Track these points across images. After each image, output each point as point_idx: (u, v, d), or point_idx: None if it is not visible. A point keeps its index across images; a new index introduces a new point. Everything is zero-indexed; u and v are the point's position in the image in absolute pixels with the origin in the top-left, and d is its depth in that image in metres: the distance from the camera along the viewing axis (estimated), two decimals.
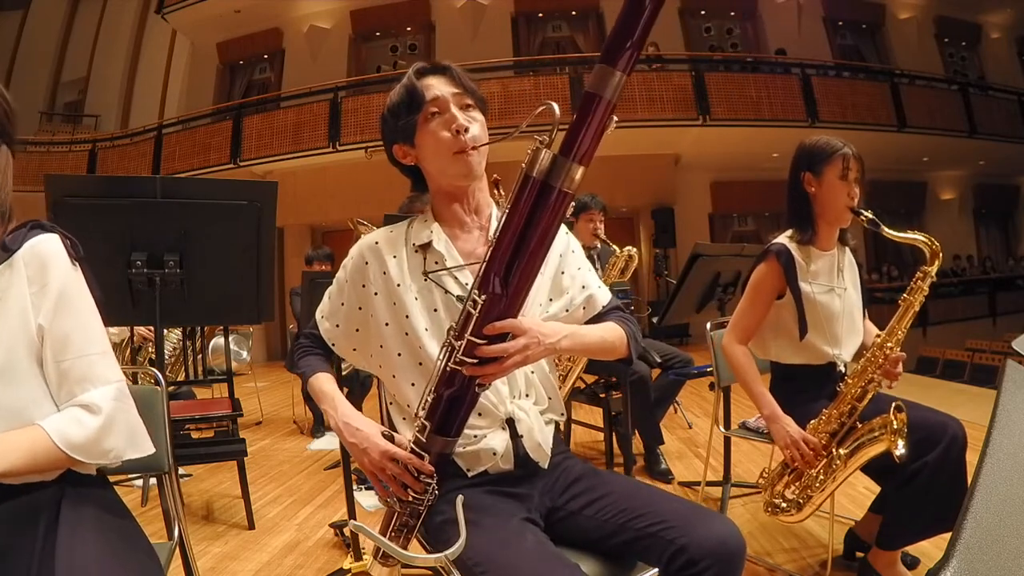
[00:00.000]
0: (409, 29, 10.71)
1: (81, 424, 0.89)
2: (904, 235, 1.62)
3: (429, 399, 0.97)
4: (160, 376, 1.37)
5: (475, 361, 0.92)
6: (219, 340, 4.22)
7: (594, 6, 10.39)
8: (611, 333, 1.15)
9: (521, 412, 1.12)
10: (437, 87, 1.11)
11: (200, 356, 3.81)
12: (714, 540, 0.95)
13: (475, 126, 1.10)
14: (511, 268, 0.91)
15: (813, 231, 1.75)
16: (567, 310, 1.17)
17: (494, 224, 1.16)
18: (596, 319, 1.21)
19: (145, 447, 0.97)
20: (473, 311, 0.92)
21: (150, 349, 3.26)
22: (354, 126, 8.59)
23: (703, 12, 10.36)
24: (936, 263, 1.60)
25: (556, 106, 0.89)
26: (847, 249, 1.84)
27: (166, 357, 3.48)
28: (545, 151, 0.88)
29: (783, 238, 1.80)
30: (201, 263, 2.16)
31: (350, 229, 2.98)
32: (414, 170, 1.19)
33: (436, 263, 1.13)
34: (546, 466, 1.13)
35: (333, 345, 1.21)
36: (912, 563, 1.83)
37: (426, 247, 1.14)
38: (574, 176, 0.87)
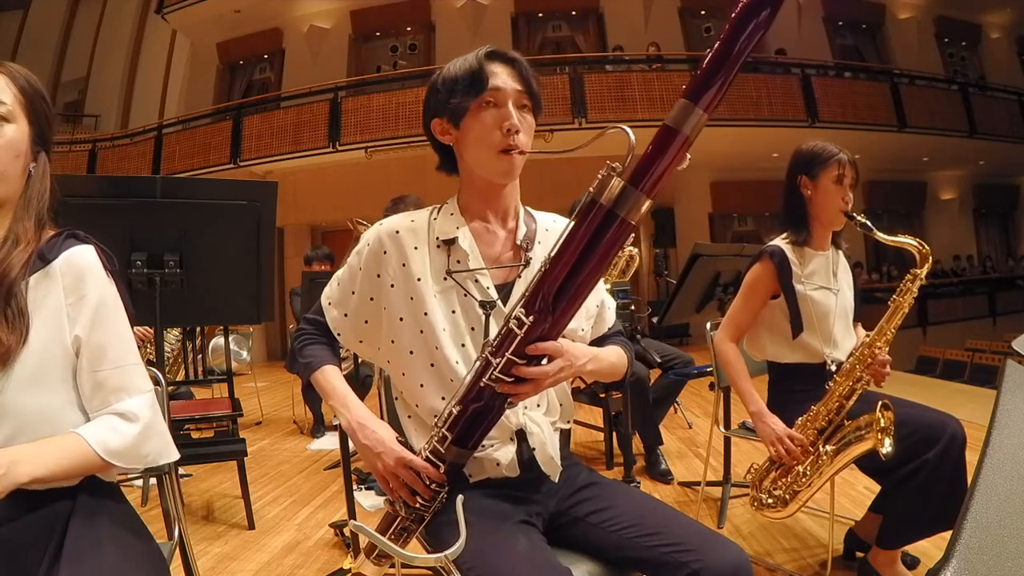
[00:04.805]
0: (409, 29, 10.71)
1: (118, 431, 0.92)
2: (895, 239, 1.68)
3: (453, 411, 0.96)
4: (160, 376, 1.37)
5: (510, 379, 0.92)
6: (219, 340, 4.22)
7: (594, 6, 10.39)
8: (620, 359, 1.16)
9: (533, 425, 1.10)
10: (501, 77, 1.06)
11: (200, 356, 3.81)
12: (728, 567, 0.94)
13: (526, 129, 1.06)
14: (562, 291, 0.89)
15: (808, 233, 1.81)
16: (583, 329, 1.15)
17: (522, 229, 1.14)
18: (600, 340, 1.20)
19: (174, 452, 1.01)
20: (517, 330, 0.91)
21: (149, 349, 3.26)
22: (354, 126, 8.59)
23: (703, 12, 10.35)
24: (926, 266, 1.65)
25: (631, 132, 0.87)
26: (840, 252, 1.89)
27: (165, 357, 3.48)
28: (616, 179, 0.86)
29: (778, 240, 1.85)
30: (201, 263, 2.16)
31: (350, 229, 2.99)
32: (447, 150, 1.13)
33: (458, 262, 1.10)
34: (557, 479, 1.12)
35: (339, 335, 1.17)
36: (912, 563, 1.83)
37: (450, 243, 1.10)
38: (640, 208, 0.86)
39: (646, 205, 0.86)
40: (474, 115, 1.06)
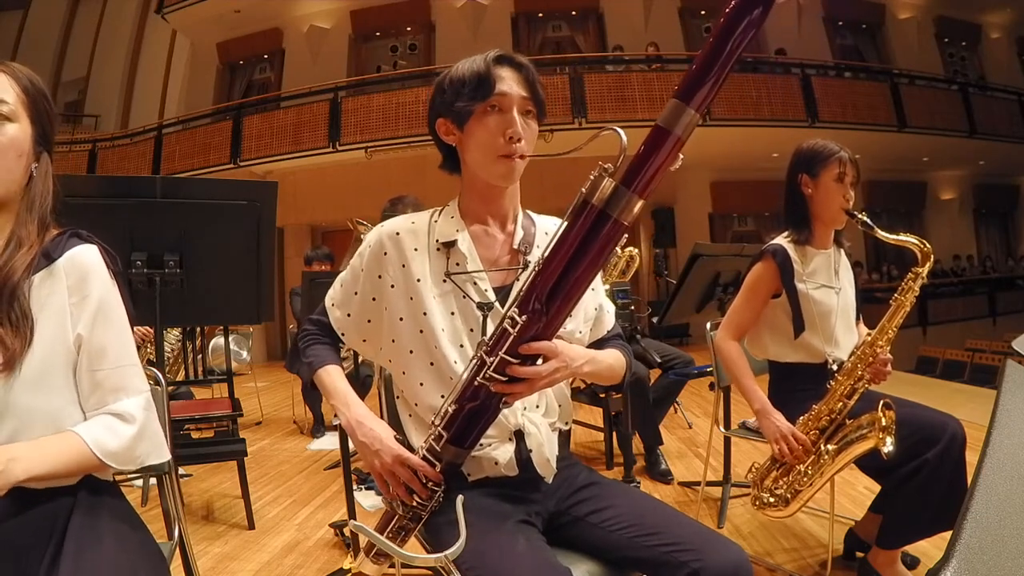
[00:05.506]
0: (409, 29, 10.71)
1: (115, 432, 0.93)
2: (897, 237, 1.68)
3: (449, 410, 0.97)
4: (160, 376, 1.37)
5: (504, 379, 0.93)
6: (219, 340, 4.22)
7: (594, 6, 10.39)
8: (618, 362, 1.17)
9: (531, 426, 1.10)
10: (508, 82, 1.06)
11: (200, 356, 3.81)
12: (728, 567, 0.94)
13: (528, 135, 1.08)
14: (555, 291, 0.90)
15: (809, 232, 1.81)
16: (580, 332, 1.16)
17: (520, 232, 1.15)
18: (599, 343, 1.20)
19: (165, 453, 1.01)
20: (511, 329, 0.91)
21: (149, 349, 3.26)
22: (354, 126, 8.59)
23: (703, 12, 10.35)
24: (927, 265, 1.65)
25: (623, 133, 0.87)
26: (842, 250, 1.89)
27: (165, 357, 3.48)
28: (607, 179, 0.86)
29: (780, 239, 1.84)
30: (201, 263, 2.16)
31: (350, 229, 2.99)
32: (450, 149, 1.14)
33: (457, 264, 1.11)
34: (551, 481, 1.13)
35: (342, 335, 1.19)
36: (912, 563, 1.83)
37: (450, 246, 1.11)
38: (632, 208, 0.86)
39: (638, 205, 0.86)
40: (478, 119, 1.06)
